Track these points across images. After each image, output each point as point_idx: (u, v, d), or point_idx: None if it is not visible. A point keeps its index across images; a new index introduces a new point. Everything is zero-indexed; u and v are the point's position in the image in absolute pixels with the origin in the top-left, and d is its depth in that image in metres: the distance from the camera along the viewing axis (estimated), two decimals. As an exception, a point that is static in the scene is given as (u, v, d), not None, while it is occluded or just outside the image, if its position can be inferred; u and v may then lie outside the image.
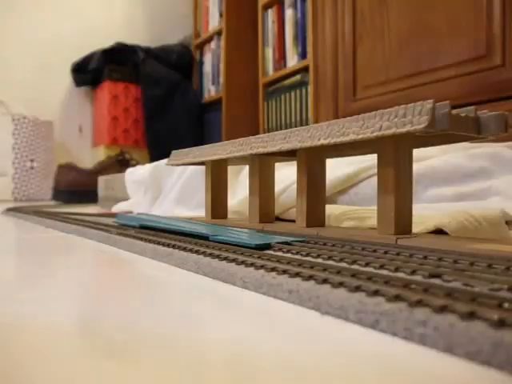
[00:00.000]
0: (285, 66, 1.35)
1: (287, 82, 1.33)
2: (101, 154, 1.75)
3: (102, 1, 1.97)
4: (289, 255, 0.30)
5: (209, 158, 0.51)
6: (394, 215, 0.34)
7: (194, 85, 1.83)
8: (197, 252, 0.32)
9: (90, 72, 1.81)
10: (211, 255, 0.31)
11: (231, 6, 1.60)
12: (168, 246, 0.36)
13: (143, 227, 0.48)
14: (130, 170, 1.03)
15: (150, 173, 0.87)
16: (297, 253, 0.30)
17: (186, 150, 0.57)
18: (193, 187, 0.73)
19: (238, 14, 1.61)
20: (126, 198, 0.99)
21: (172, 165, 0.61)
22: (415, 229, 0.36)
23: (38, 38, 1.82)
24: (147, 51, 1.81)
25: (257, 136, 0.44)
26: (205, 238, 0.37)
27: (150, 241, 0.40)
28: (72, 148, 1.93)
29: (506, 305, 0.17)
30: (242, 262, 0.28)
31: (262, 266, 0.26)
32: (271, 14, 1.40)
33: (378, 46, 0.96)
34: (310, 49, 1.21)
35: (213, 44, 1.72)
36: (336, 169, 0.55)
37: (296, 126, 1.23)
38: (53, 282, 0.30)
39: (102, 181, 1.24)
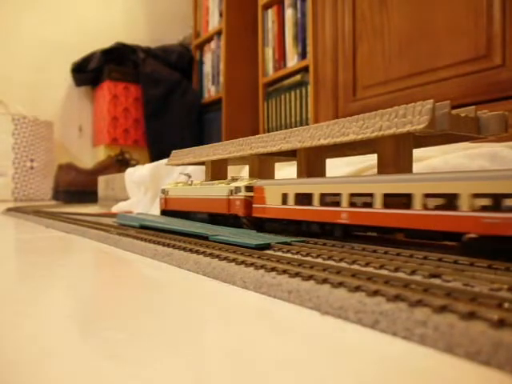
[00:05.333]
0: (285, 66, 1.35)
1: (287, 81, 1.33)
2: (101, 153, 1.75)
3: (102, 1, 1.97)
4: (289, 255, 0.30)
5: (209, 158, 0.51)
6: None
7: (194, 85, 1.83)
8: (197, 252, 0.32)
9: (90, 72, 1.81)
10: (211, 255, 0.31)
11: (231, 6, 1.60)
12: (168, 245, 0.36)
13: (143, 227, 0.48)
14: (129, 170, 1.03)
15: (150, 173, 0.87)
16: (297, 253, 0.30)
17: (186, 149, 0.57)
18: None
19: (238, 14, 1.61)
20: (125, 198, 0.99)
21: (172, 165, 0.61)
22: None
23: (37, 38, 1.82)
24: (147, 51, 1.81)
25: (257, 136, 0.44)
26: (205, 238, 0.37)
27: (149, 241, 0.40)
28: (72, 148, 1.93)
29: (506, 305, 0.17)
30: (242, 262, 0.28)
31: (261, 266, 0.26)
32: (271, 14, 1.40)
33: (377, 46, 0.96)
34: (310, 49, 1.21)
35: (213, 44, 1.72)
36: (336, 169, 0.55)
37: (296, 126, 1.23)
38: (53, 281, 0.30)
39: (102, 181, 1.24)
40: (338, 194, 0.33)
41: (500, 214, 0.24)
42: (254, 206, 0.42)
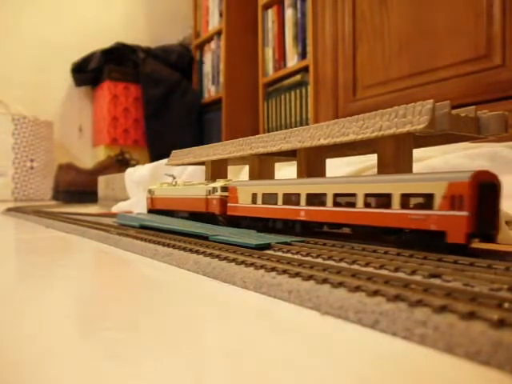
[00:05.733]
0: (285, 65, 1.35)
1: (287, 81, 1.33)
2: (101, 153, 1.75)
3: (102, 1, 1.97)
4: (289, 255, 0.30)
5: (209, 158, 0.51)
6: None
7: (194, 85, 1.83)
8: (197, 252, 0.32)
9: (90, 72, 1.81)
10: (211, 255, 0.31)
11: (231, 6, 1.60)
12: (168, 245, 0.36)
13: (143, 227, 0.48)
14: (129, 170, 1.03)
15: (150, 173, 0.87)
16: (297, 253, 0.30)
17: (186, 149, 0.57)
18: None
19: (238, 14, 1.61)
20: (125, 198, 0.99)
21: (172, 165, 0.61)
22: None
23: (37, 38, 1.82)
24: (147, 51, 1.81)
25: (257, 136, 0.44)
26: (205, 238, 0.37)
27: (149, 241, 0.40)
28: (72, 148, 1.93)
29: (506, 305, 0.17)
30: (242, 262, 0.28)
31: (261, 266, 0.26)
32: (271, 14, 1.40)
33: (377, 46, 0.96)
34: (310, 49, 1.21)
35: (213, 44, 1.72)
36: (336, 169, 0.55)
37: (296, 126, 1.23)
38: (53, 281, 0.30)
39: (102, 181, 1.24)
40: (298, 194, 0.37)
41: (423, 211, 0.27)
42: (228, 204, 0.45)
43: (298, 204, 0.37)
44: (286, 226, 0.40)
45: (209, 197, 0.48)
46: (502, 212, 0.35)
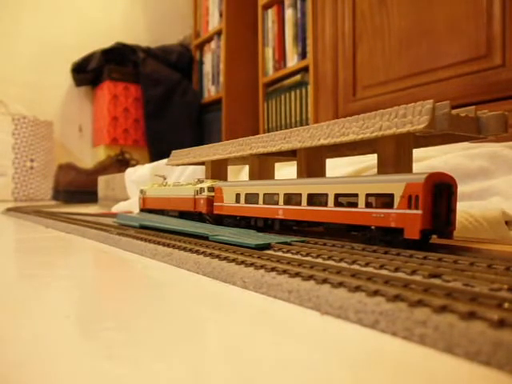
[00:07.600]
0: (285, 66, 1.35)
1: (287, 81, 1.33)
2: (101, 153, 1.75)
3: (102, 1, 1.97)
4: (289, 255, 0.30)
5: (209, 158, 0.51)
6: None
7: (194, 85, 1.83)
8: (197, 252, 0.32)
9: (90, 72, 1.81)
10: (211, 255, 0.31)
11: (231, 6, 1.60)
12: (168, 245, 0.36)
13: (143, 227, 0.48)
14: (129, 170, 1.03)
15: (150, 172, 0.87)
16: (297, 253, 0.30)
17: (186, 149, 0.57)
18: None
19: (237, 13, 1.61)
20: (126, 198, 0.99)
21: (172, 165, 0.61)
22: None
23: (38, 38, 1.81)
24: (147, 51, 1.81)
25: (257, 136, 0.44)
26: (205, 238, 0.37)
27: (149, 241, 0.40)
28: (72, 148, 1.93)
29: (506, 305, 0.17)
30: (242, 262, 0.28)
31: (261, 266, 0.26)
32: (271, 14, 1.40)
33: (378, 46, 0.96)
34: (309, 49, 1.20)
35: (213, 44, 1.72)
36: (336, 169, 0.55)
37: (296, 126, 1.23)
38: (53, 281, 0.30)
39: (102, 181, 1.24)
40: (277, 194, 0.39)
41: (384, 209, 0.29)
42: (214, 204, 0.47)
43: (276, 203, 0.39)
44: (266, 224, 0.41)
45: (196, 197, 0.50)
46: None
